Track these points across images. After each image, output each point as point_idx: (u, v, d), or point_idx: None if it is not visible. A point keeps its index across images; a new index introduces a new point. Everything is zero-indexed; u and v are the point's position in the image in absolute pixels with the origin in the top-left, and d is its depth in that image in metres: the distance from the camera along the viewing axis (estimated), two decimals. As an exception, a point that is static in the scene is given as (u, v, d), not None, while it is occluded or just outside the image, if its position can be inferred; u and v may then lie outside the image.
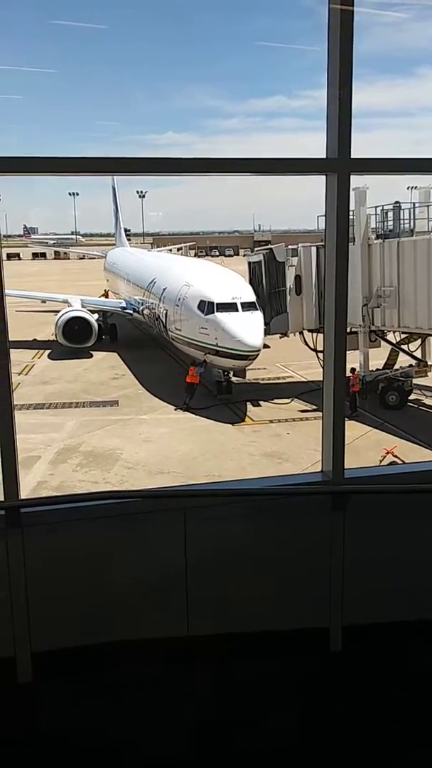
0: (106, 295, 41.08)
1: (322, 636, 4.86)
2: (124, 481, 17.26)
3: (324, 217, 4.70)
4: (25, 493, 4.70)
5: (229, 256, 77.13)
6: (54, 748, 4.06)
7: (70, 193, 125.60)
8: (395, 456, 16.06)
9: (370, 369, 24.53)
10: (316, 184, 4.78)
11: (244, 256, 32.07)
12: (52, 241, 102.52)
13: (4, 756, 3.99)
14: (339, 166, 4.44)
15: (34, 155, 4.38)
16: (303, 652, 4.80)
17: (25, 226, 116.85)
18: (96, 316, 33.15)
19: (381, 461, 15.13)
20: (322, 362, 5.08)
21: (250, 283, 26.35)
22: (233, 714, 4.31)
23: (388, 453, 16.03)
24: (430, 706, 4.42)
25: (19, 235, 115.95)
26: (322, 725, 4.26)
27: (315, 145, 4.80)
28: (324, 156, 4.50)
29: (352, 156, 4.42)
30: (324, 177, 4.60)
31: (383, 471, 8.84)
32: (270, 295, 25.84)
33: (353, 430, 18.58)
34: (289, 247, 25.99)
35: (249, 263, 27.87)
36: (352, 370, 22.92)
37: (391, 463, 14.79)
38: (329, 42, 4.38)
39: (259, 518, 4.91)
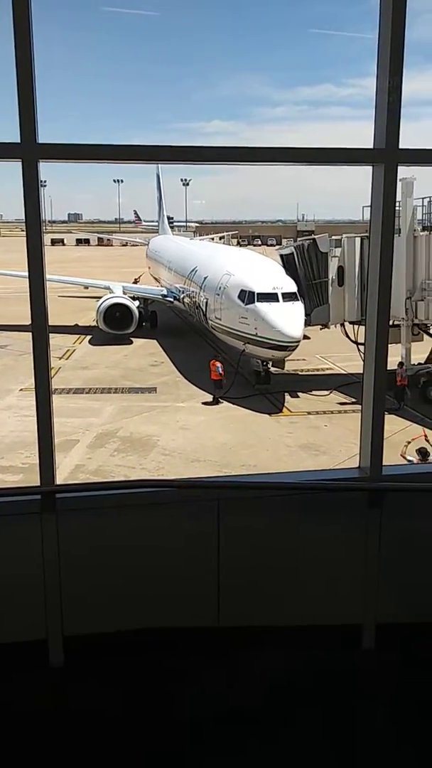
0: (135, 281, 41.26)
1: (354, 633, 4.83)
2: (161, 468, 17.38)
3: (369, 208, 4.62)
4: (63, 476, 4.76)
5: (272, 245, 76.56)
6: (81, 730, 4.12)
7: (114, 180, 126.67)
8: (428, 441, 15.67)
9: (412, 363, 24.16)
10: (363, 174, 4.70)
11: (278, 246, 31.78)
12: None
13: (34, 736, 4.07)
14: (386, 156, 4.34)
15: (81, 142, 4.40)
16: (334, 648, 4.78)
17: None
18: (137, 303, 33.35)
19: (407, 446, 14.71)
20: (362, 354, 5.01)
21: None
22: (258, 707, 4.30)
23: (414, 439, 15.61)
24: None
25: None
26: (348, 722, 4.23)
27: (362, 134, 4.72)
28: (371, 146, 4.41)
29: (401, 146, 4.32)
30: (371, 167, 4.52)
31: (422, 469, 8.71)
32: (309, 286, 25.57)
33: (393, 424, 18.33)
34: (333, 237, 25.67)
35: (281, 256, 27.55)
36: (400, 364, 22.57)
37: (421, 449, 14.49)
38: (380, 29, 4.28)
39: (293, 512, 4.88)
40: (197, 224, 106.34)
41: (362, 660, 4.80)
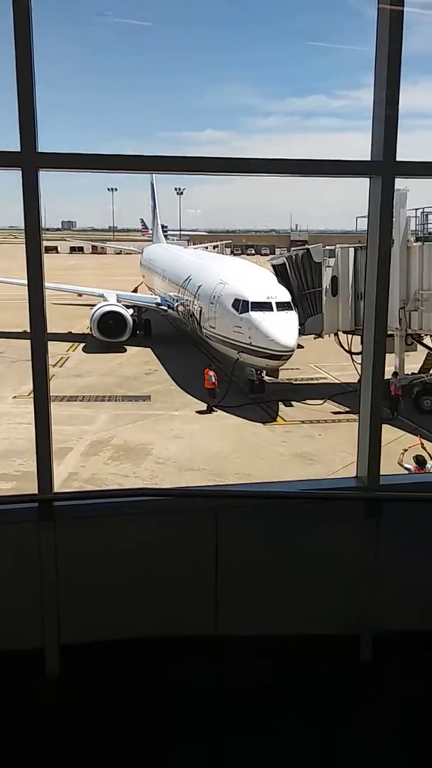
0: (135, 291, 41.36)
1: (352, 643, 4.81)
2: (154, 476, 17.34)
3: (364, 219, 4.65)
4: (57, 484, 4.75)
5: (265, 254, 76.62)
6: (76, 739, 4.09)
7: (108, 189, 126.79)
8: (424, 448, 15.67)
9: (405, 373, 24.24)
10: (354, 184, 4.73)
11: (271, 256, 31.71)
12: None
13: (29, 746, 4.04)
14: (384, 168, 4.38)
15: (76, 152, 4.42)
16: (332, 659, 4.76)
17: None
18: (131, 311, 33.35)
19: (403, 455, 14.73)
20: (356, 364, 5.03)
21: None
22: (254, 717, 4.28)
23: (410, 447, 15.61)
24: None
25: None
26: (345, 734, 4.21)
27: (354, 145, 4.75)
28: (368, 158, 4.44)
29: (398, 159, 4.36)
30: (367, 179, 4.55)
31: (420, 479, 8.73)
32: (302, 296, 25.65)
33: (388, 433, 18.34)
34: (326, 247, 25.79)
35: (273, 266, 27.64)
36: (395, 374, 22.60)
37: (418, 457, 14.49)
38: (377, 42, 4.32)
39: (291, 521, 4.88)
40: (191, 233, 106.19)
41: (360, 671, 4.79)
